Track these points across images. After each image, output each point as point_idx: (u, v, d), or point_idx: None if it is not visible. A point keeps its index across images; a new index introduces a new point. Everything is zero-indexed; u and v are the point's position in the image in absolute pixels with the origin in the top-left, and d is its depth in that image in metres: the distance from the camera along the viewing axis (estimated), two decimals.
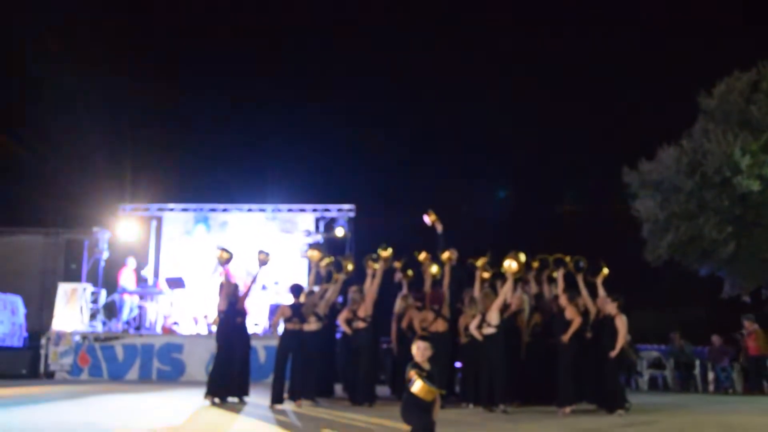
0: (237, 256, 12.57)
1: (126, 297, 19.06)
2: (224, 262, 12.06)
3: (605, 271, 11.54)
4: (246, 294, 12.01)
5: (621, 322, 10.96)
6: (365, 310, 11.72)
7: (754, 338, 17.02)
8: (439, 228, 13.57)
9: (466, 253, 12.90)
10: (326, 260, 13.26)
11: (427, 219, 13.75)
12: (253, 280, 12.34)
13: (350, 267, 12.71)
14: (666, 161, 20.63)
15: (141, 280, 19.80)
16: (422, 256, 12.92)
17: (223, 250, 12.16)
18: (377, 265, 12.05)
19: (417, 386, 6.08)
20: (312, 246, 18.03)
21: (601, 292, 11.34)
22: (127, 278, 19.23)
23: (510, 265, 10.97)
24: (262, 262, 12.25)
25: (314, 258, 13.33)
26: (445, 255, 12.48)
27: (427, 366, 6.28)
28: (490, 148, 37.71)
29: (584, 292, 11.37)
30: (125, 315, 18.87)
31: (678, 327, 18.64)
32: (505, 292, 11.06)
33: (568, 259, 11.68)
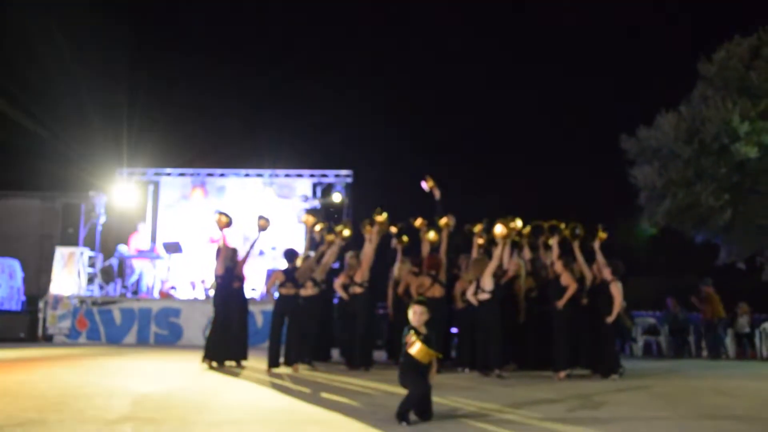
0: (235, 221, 12.48)
1: (136, 262, 19.11)
2: (223, 226, 12.01)
3: (602, 235, 11.51)
4: (244, 259, 12.00)
5: (616, 289, 10.98)
6: (362, 275, 11.70)
7: (709, 302, 17.32)
8: (437, 194, 13.49)
9: (464, 220, 12.87)
10: (320, 225, 13.24)
11: (425, 185, 13.67)
12: (252, 246, 12.32)
13: (346, 232, 12.66)
14: (664, 128, 20.56)
15: (138, 245, 19.80)
16: (419, 222, 12.90)
17: (222, 214, 12.09)
18: (373, 230, 12.01)
19: (415, 348, 6.09)
20: (307, 211, 18.04)
21: (599, 257, 11.33)
22: (139, 244, 19.27)
23: (499, 229, 10.97)
24: (262, 228, 12.23)
25: (308, 223, 13.32)
26: (443, 221, 12.46)
27: (423, 330, 6.28)
28: (488, 114, 37.58)
29: (580, 258, 11.36)
30: (134, 278, 18.94)
31: (673, 294, 18.67)
32: (497, 256, 11.04)
33: (563, 225, 11.65)
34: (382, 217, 12.14)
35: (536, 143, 34.99)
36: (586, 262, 11.38)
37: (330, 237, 12.72)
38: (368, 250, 11.81)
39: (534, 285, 11.86)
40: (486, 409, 7.04)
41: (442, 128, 36.89)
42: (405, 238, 12.96)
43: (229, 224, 12.09)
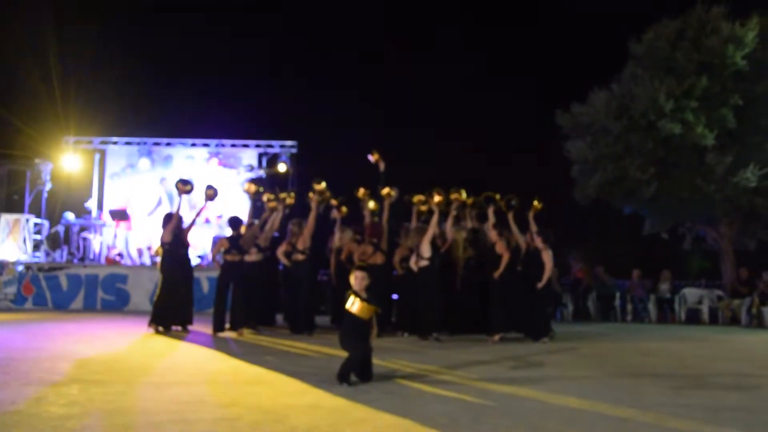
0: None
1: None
2: (183, 192, 11.86)
3: (537, 205, 11.69)
4: (189, 227, 11.88)
5: (547, 256, 11.15)
6: (303, 242, 11.67)
7: (581, 272, 18.40)
8: (382, 166, 13.52)
9: (407, 191, 12.91)
10: (266, 194, 13.16)
11: (371, 157, 13.68)
12: (198, 214, 12.20)
13: (289, 200, 12.63)
14: (596, 104, 20.79)
15: (85, 212, 19.48)
16: (361, 192, 12.91)
17: (183, 182, 11.96)
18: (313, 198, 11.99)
19: (356, 306, 6.14)
20: (250, 180, 17.90)
21: (532, 227, 11.49)
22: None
23: (436, 198, 11.09)
24: (210, 197, 12.10)
25: (251, 191, 13.24)
26: (385, 191, 12.50)
27: (364, 295, 6.32)
28: (433, 90, 37.70)
29: (514, 228, 11.51)
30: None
31: (602, 262, 19.06)
32: (433, 225, 11.15)
33: (498, 197, 11.80)
34: (320, 186, 12.10)
35: (478, 116, 35.31)
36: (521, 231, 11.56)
37: (273, 204, 12.67)
38: (310, 218, 11.77)
39: (472, 254, 11.97)
40: (424, 371, 7.13)
41: (386, 99, 36.85)
42: (344, 209, 12.93)
43: (190, 191, 11.95)
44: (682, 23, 20.39)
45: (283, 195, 12.60)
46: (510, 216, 11.52)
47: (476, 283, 11.61)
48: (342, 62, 37.20)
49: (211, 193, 12.07)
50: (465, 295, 11.74)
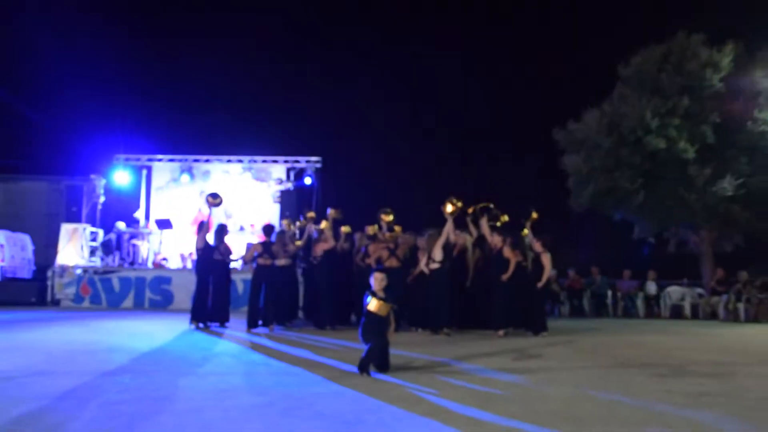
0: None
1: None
2: (213, 206, 11.92)
3: (534, 215, 11.70)
4: (203, 231, 11.77)
5: (546, 259, 11.14)
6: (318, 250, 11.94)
7: (577, 282, 18.27)
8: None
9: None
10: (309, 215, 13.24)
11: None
12: (208, 219, 12.12)
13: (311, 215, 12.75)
14: (589, 122, 20.76)
15: (134, 222, 19.63)
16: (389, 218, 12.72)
17: (213, 195, 12.02)
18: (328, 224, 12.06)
19: (373, 304, 6.16)
20: (282, 193, 18.03)
21: (530, 234, 11.50)
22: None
23: (446, 207, 11.09)
24: (213, 205, 12.05)
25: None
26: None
27: (382, 295, 6.34)
28: (442, 111, 37.89)
29: (486, 230, 11.46)
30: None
31: (596, 264, 18.97)
32: (446, 231, 11.16)
33: (492, 206, 11.84)
34: (335, 213, 12.29)
35: (483, 136, 35.41)
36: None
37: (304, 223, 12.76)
38: (326, 236, 11.91)
39: (481, 256, 11.96)
40: (436, 362, 7.14)
41: (401, 121, 37.04)
42: (346, 228, 12.96)
43: (218, 204, 12.02)
44: (666, 49, 20.37)
45: (310, 214, 12.70)
46: (483, 222, 11.50)
47: (483, 283, 11.59)
48: (361, 86, 37.40)
49: (212, 201, 12.01)
50: (473, 294, 11.74)
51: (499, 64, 37.54)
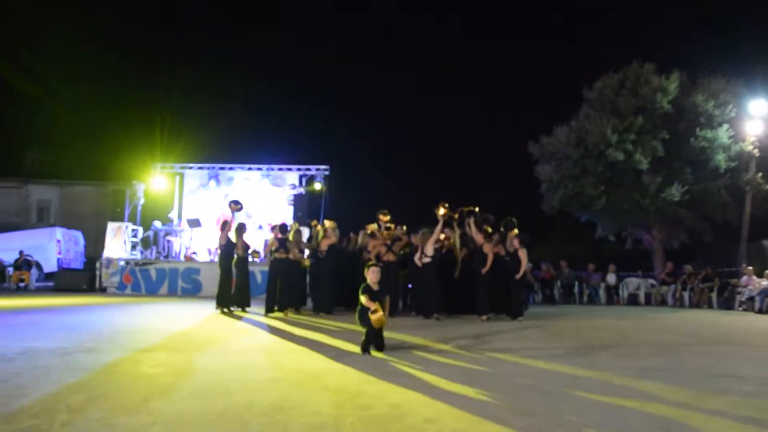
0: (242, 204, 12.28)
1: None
2: (235, 210, 11.89)
3: (474, 209, 11.60)
4: (226, 230, 11.63)
5: (523, 254, 11.12)
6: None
7: (548, 273, 18.26)
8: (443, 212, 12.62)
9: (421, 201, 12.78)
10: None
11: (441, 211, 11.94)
12: (231, 220, 12.01)
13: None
14: (559, 137, 20.84)
15: (168, 221, 19.65)
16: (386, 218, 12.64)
17: (235, 202, 11.98)
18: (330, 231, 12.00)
19: (375, 317, 6.02)
20: (295, 197, 18.00)
21: (512, 235, 11.47)
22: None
23: (438, 210, 11.07)
24: (235, 210, 11.94)
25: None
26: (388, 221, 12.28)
27: (376, 287, 6.26)
28: (435, 127, 38.02)
29: (474, 230, 11.41)
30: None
31: (564, 258, 18.98)
32: (437, 231, 11.15)
33: (477, 209, 11.81)
34: (330, 223, 12.25)
35: (470, 149, 35.66)
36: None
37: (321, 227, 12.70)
38: (326, 238, 11.87)
39: (467, 252, 11.95)
40: (427, 343, 7.12)
41: (398, 133, 37.26)
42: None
43: (239, 209, 11.97)
44: (623, 76, 20.52)
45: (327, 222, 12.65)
46: (471, 222, 11.44)
47: (468, 275, 11.57)
48: (361, 108, 37.55)
49: (234, 207, 11.95)
50: (460, 284, 11.71)
51: (485, 89, 37.99)
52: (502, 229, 11.81)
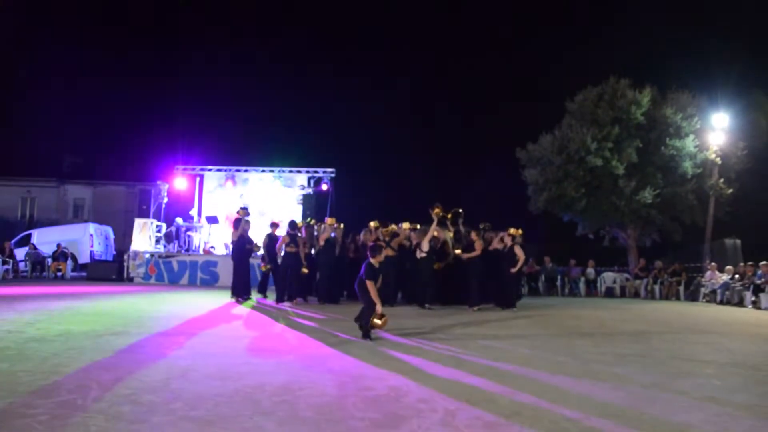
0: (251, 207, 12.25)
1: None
2: (242, 215, 11.86)
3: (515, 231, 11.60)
4: (240, 233, 11.52)
5: (519, 250, 11.09)
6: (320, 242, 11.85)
7: (532, 268, 17.91)
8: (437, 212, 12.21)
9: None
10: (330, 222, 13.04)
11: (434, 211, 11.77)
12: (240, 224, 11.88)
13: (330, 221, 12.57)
14: (544, 144, 20.82)
15: (189, 218, 19.68)
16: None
17: (243, 209, 11.98)
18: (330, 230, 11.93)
19: (380, 321, 6.03)
20: (304, 197, 17.97)
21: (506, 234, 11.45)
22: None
23: (433, 210, 11.07)
24: (243, 215, 11.87)
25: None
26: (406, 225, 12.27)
27: (377, 266, 6.23)
28: (434, 132, 38.17)
29: (455, 228, 11.41)
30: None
31: (548, 254, 18.96)
32: (432, 228, 11.15)
33: (460, 210, 11.82)
34: (332, 220, 12.17)
35: (465, 154, 35.75)
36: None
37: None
38: (323, 233, 11.83)
39: (460, 248, 11.92)
40: (422, 330, 7.14)
41: (400, 140, 37.34)
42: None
43: (246, 214, 11.91)
44: (601, 90, 20.57)
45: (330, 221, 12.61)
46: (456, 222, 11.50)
47: (461, 269, 11.53)
48: (366, 112, 37.59)
49: (242, 213, 11.91)
50: (452, 277, 11.69)
51: (478, 99, 38.13)
52: (482, 227, 11.88)
